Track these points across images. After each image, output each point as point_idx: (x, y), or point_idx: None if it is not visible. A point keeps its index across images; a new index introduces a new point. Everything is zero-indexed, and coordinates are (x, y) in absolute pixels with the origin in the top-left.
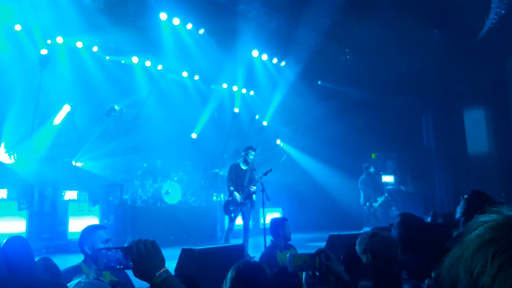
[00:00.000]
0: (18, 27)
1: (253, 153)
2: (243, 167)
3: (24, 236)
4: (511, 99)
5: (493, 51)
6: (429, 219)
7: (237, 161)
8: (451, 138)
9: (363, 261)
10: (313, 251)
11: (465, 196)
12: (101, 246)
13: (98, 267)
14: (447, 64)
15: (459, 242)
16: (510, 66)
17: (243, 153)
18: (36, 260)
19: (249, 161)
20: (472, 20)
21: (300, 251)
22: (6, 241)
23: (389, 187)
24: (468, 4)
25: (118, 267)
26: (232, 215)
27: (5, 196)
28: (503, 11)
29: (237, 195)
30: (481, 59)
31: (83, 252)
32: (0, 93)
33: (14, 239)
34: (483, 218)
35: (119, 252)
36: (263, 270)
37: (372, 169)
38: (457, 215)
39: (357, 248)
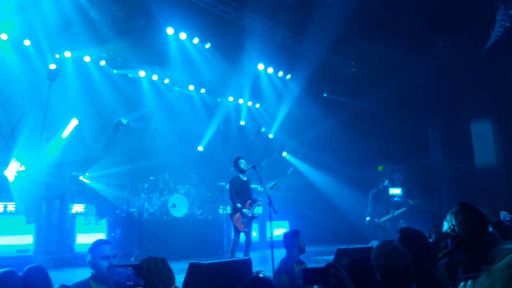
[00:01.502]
0: (27, 42)
1: (243, 161)
2: (244, 178)
3: (32, 249)
4: None
5: (499, 63)
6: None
7: (236, 174)
8: (458, 151)
9: (378, 276)
10: (321, 264)
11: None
12: (101, 262)
13: (109, 285)
14: (453, 77)
15: (486, 271)
16: None
17: (236, 167)
18: (28, 267)
19: (245, 169)
20: (478, 33)
21: (308, 264)
22: (26, 270)
23: (396, 199)
24: (473, 17)
25: (128, 283)
26: (246, 229)
27: (13, 209)
28: (508, 24)
29: (246, 211)
30: (487, 71)
31: (89, 266)
32: (9, 107)
33: (34, 268)
34: (509, 245)
35: (130, 269)
36: (272, 286)
37: (384, 183)
38: (445, 228)
39: (373, 261)
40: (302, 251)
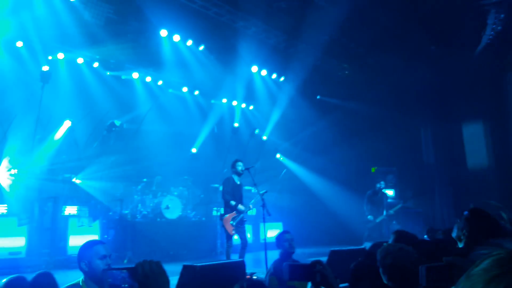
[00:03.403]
0: (19, 44)
1: (241, 163)
2: (237, 182)
3: (24, 251)
4: (509, 112)
5: (490, 66)
6: (425, 236)
7: (231, 175)
8: (450, 152)
9: (385, 275)
10: None
11: (465, 213)
12: (98, 262)
13: (103, 286)
14: (445, 79)
15: (465, 275)
16: (507, 80)
17: (232, 169)
18: (36, 274)
19: (241, 172)
20: (469, 36)
21: None
22: (35, 276)
23: (389, 200)
24: (465, 21)
25: (123, 286)
26: (234, 232)
27: (5, 212)
28: (499, 27)
29: (241, 207)
30: (478, 74)
31: (81, 269)
32: (1, 109)
33: (42, 274)
34: (485, 250)
35: (125, 272)
36: None
37: (379, 185)
38: (454, 233)
39: (380, 262)
40: (291, 250)
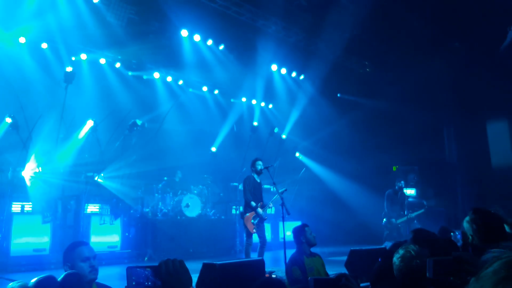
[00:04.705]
0: (44, 45)
1: (260, 163)
2: (258, 180)
3: (48, 248)
4: None
5: None
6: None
7: (251, 174)
8: (474, 151)
9: (399, 277)
10: (334, 265)
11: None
12: (81, 264)
13: (127, 285)
14: (469, 77)
15: (476, 277)
16: None
17: (252, 168)
18: (65, 274)
19: (260, 171)
20: (494, 31)
21: None
22: (63, 276)
23: (410, 199)
24: (490, 16)
25: (146, 284)
26: (254, 230)
27: (30, 209)
28: None
29: (260, 211)
30: (503, 70)
31: (65, 271)
32: (27, 109)
33: (70, 275)
34: (496, 253)
35: (148, 270)
36: (285, 287)
37: (399, 184)
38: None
39: (396, 263)
40: (312, 244)
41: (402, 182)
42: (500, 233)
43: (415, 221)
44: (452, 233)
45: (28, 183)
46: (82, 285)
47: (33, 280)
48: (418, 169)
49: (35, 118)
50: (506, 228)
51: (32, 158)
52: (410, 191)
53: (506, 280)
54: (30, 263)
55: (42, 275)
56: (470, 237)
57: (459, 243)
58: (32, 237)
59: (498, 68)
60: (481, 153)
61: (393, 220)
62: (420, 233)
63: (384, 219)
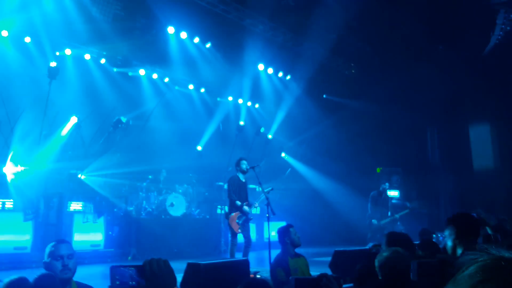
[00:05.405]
0: (27, 39)
1: (245, 162)
2: (243, 180)
3: (29, 246)
4: None
5: (499, 66)
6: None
7: (236, 173)
8: (456, 154)
9: (379, 276)
10: (319, 266)
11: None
12: (54, 262)
13: (111, 284)
14: (453, 80)
15: (452, 280)
16: None
17: (236, 167)
18: (39, 275)
19: (245, 171)
20: (478, 36)
21: None
22: (37, 278)
23: (394, 201)
24: (474, 21)
25: (130, 283)
26: (240, 230)
27: (11, 207)
28: (508, 27)
29: (246, 208)
30: (486, 75)
31: (44, 267)
32: (9, 104)
33: (45, 276)
34: (472, 256)
35: (132, 269)
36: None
37: (384, 186)
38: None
39: (376, 263)
40: (296, 245)
41: (387, 184)
42: (476, 235)
43: (399, 223)
44: (434, 235)
45: (9, 179)
46: (56, 286)
47: (5, 281)
48: (401, 171)
49: (18, 114)
50: (488, 230)
51: (14, 154)
52: (393, 193)
53: (482, 283)
54: (11, 261)
55: (14, 276)
56: (449, 240)
57: (441, 245)
58: (13, 235)
59: (481, 72)
60: (464, 156)
61: (375, 221)
62: (393, 236)
63: (368, 221)
